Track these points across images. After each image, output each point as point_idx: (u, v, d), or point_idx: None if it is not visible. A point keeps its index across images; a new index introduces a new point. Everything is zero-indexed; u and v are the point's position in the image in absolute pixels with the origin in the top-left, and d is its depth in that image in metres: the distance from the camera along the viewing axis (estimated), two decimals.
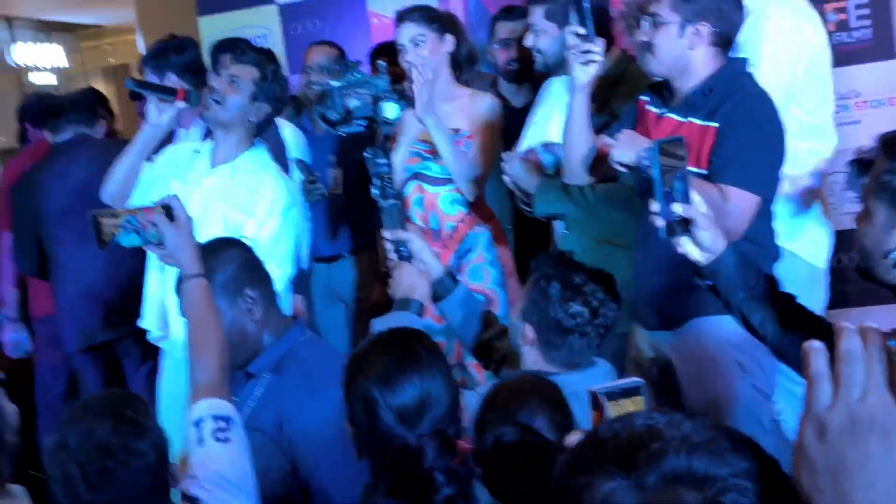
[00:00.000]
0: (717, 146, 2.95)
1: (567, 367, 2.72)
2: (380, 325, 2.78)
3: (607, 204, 3.53)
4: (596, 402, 2.04)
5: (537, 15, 3.65)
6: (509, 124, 4.17)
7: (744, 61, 3.12)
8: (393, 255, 3.03)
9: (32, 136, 5.72)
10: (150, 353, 4.52)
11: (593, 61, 3.16)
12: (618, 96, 3.58)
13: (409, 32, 4.01)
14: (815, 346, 1.14)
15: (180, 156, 3.86)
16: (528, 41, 3.70)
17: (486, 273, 4.06)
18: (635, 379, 2.11)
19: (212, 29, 6.11)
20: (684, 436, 1.09)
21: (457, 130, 3.98)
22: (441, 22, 4.07)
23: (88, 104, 5.01)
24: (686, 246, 2.38)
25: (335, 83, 2.98)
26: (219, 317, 2.63)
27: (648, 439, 1.10)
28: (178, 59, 4.34)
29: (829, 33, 3.88)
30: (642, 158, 2.93)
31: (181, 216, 2.64)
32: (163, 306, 3.76)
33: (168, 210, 2.64)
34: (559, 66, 3.66)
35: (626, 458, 1.09)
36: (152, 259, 3.71)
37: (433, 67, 3.92)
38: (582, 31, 3.14)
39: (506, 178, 3.77)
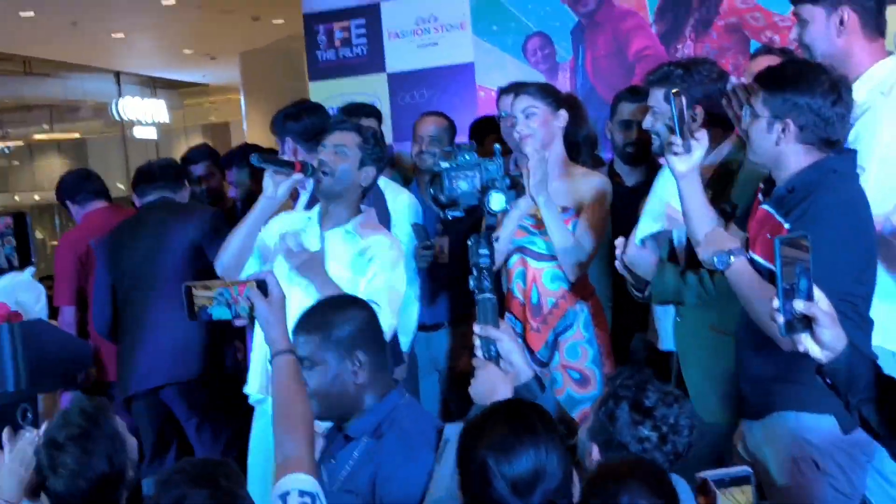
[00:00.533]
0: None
1: None
2: (451, 430, 2.79)
3: (727, 292, 3.52)
4: (706, 489, 2.05)
5: (657, 97, 3.66)
6: (621, 203, 4.19)
7: (838, 160, 3.07)
8: (480, 352, 2.93)
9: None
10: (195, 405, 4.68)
11: (679, 153, 3.21)
12: (734, 184, 3.58)
13: (521, 104, 4.05)
14: None
15: (291, 222, 3.94)
16: (647, 123, 3.70)
17: (583, 351, 4.04)
18: (744, 468, 2.11)
19: (321, 94, 6.26)
20: None
21: (565, 209, 4.00)
22: (556, 97, 4.10)
23: (174, 170, 5.16)
24: (807, 343, 2.33)
25: (445, 164, 2.95)
26: (306, 393, 2.64)
27: None
28: (295, 125, 4.46)
29: None
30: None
31: (275, 292, 2.64)
32: (265, 369, 3.83)
33: (262, 285, 2.65)
34: None
35: None
36: None
37: (544, 141, 3.99)
38: (670, 123, 3.21)
39: (618, 265, 3.76)
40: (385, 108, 6.21)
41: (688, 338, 3.09)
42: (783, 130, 3.00)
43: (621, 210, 4.10)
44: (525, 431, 2.20)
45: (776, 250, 2.25)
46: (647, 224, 3.79)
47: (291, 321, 3.66)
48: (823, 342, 2.31)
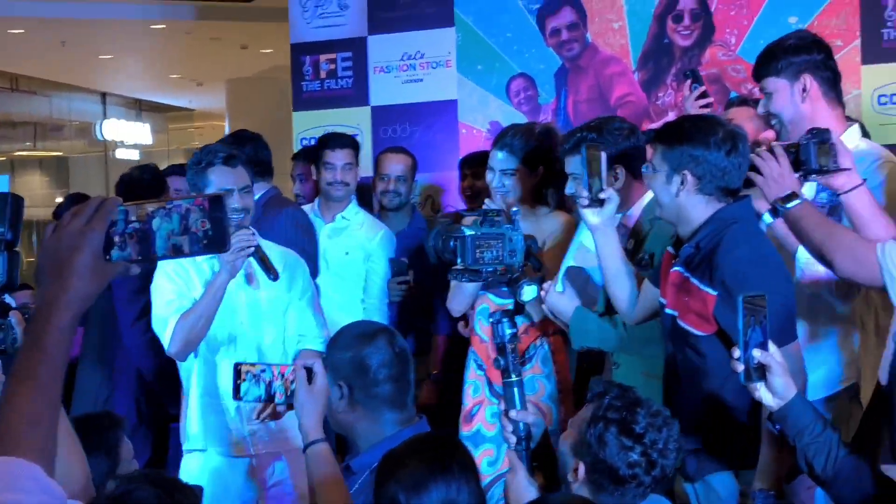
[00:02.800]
0: (724, 314, 2.97)
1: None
2: None
3: (645, 338, 3.57)
4: None
5: (574, 164, 3.59)
6: None
7: (735, 208, 3.13)
8: (511, 438, 2.81)
9: None
10: None
11: (588, 206, 3.32)
12: (651, 238, 3.64)
13: (501, 164, 4.10)
14: None
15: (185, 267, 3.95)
16: (569, 189, 3.66)
17: (540, 385, 4.09)
18: None
19: (305, 124, 6.31)
20: None
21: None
22: (532, 154, 4.11)
23: (158, 182, 5.11)
24: (761, 391, 2.60)
25: (471, 232, 2.87)
26: (342, 478, 2.62)
27: None
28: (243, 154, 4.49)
29: None
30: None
31: (319, 382, 2.60)
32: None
33: (309, 372, 2.61)
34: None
35: None
36: None
37: (517, 196, 4.07)
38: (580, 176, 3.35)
39: (545, 309, 3.82)
40: (367, 140, 6.25)
41: (626, 383, 3.13)
42: (682, 182, 3.11)
43: None
44: (438, 468, 2.22)
45: (739, 306, 2.56)
46: (566, 264, 3.87)
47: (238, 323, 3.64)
48: (776, 390, 2.58)
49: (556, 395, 4.10)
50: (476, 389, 4.21)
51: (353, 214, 5.03)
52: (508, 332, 2.82)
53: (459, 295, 4.19)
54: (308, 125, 6.27)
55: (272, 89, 12.40)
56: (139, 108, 17.36)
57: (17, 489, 1.41)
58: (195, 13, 10.79)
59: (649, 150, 3.32)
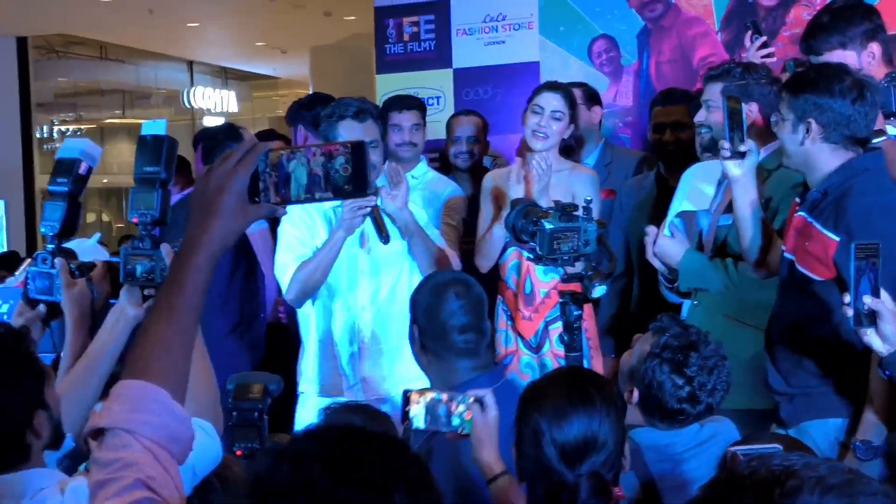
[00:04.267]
0: (842, 261, 2.99)
1: (667, 428, 2.81)
2: None
3: (750, 283, 3.59)
4: (735, 461, 2.12)
5: (713, 91, 3.76)
6: (664, 201, 4.33)
7: (867, 159, 3.14)
8: None
9: None
10: None
11: (730, 158, 3.34)
12: (770, 182, 3.65)
13: (554, 105, 4.26)
14: None
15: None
16: (700, 116, 3.82)
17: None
18: (775, 445, 2.19)
19: (388, 87, 6.36)
20: (820, 477, 1.13)
21: (557, 203, 4.13)
22: (575, 109, 4.32)
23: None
24: (871, 337, 2.64)
25: (550, 226, 3.07)
26: None
27: (784, 478, 1.14)
28: (308, 114, 4.60)
29: None
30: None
31: (492, 414, 2.56)
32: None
33: (479, 402, 2.63)
34: None
35: (761, 494, 1.14)
36: None
37: (554, 146, 4.23)
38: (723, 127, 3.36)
39: (649, 256, 3.86)
40: (449, 103, 6.29)
41: (701, 323, 3.17)
42: (807, 131, 3.10)
43: (664, 209, 4.21)
44: (581, 400, 2.26)
45: (852, 252, 2.63)
46: (675, 209, 3.89)
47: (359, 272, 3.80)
48: (886, 336, 2.62)
49: (588, 352, 4.15)
50: (507, 339, 4.27)
51: (423, 174, 5.09)
52: (575, 314, 3.08)
53: (487, 255, 4.24)
54: (391, 88, 6.33)
55: (355, 56, 12.46)
56: (225, 77, 17.55)
57: (142, 410, 1.49)
58: None
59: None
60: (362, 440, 1.38)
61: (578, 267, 3.20)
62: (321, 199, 1.66)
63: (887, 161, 3.14)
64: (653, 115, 4.90)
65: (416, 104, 5.20)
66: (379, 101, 6.50)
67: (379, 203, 3.87)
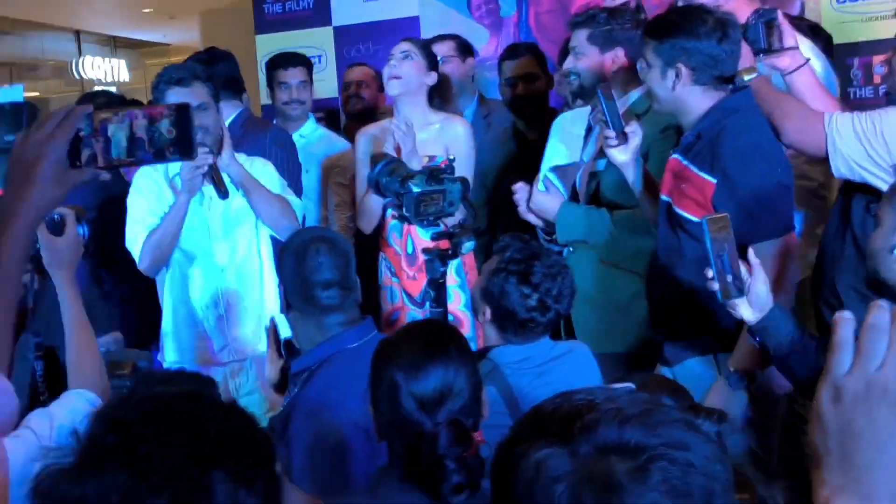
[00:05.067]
0: (723, 200, 3.05)
1: (520, 342, 2.93)
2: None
3: (628, 231, 3.63)
4: None
5: (580, 38, 3.77)
6: (524, 156, 4.34)
7: (737, 98, 3.18)
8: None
9: None
10: None
11: (615, 145, 3.37)
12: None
13: (402, 47, 4.27)
14: (846, 316, 1.19)
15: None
16: (568, 63, 3.82)
17: (455, 295, 4.15)
18: (629, 384, 2.22)
19: (268, 47, 6.29)
20: (619, 408, 1.15)
21: (431, 158, 4.14)
22: (432, 58, 4.30)
23: None
24: (741, 307, 2.66)
25: (416, 188, 3.13)
26: None
27: (585, 411, 1.16)
28: (209, 70, 4.48)
29: None
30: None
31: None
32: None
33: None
34: (592, 90, 3.78)
35: (562, 428, 1.15)
36: None
37: (411, 88, 4.18)
38: (602, 118, 3.39)
39: (521, 211, 3.87)
40: (331, 61, 6.24)
41: (578, 269, 3.21)
42: (676, 75, 3.13)
43: (525, 163, 4.23)
44: (436, 351, 2.26)
45: (704, 228, 2.62)
46: (548, 161, 3.91)
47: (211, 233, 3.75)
48: (759, 294, 2.64)
49: (472, 304, 4.17)
50: (393, 295, 4.28)
51: (311, 131, 5.04)
52: (440, 270, 3.18)
53: (368, 215, 4.23)
54: (271, 48, 6.25)
55: (245, 19, 12.28)
56: (114, 45, 17.19)
57: None
58: None
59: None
60: (195, 408, 1.35)
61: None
62: (144, 162, 1.62)
63: (759, 98, 3.17)
64: (502, 70, 4.89)
65: (301, 61, 5.15)
66: (260, 61, 6.44)
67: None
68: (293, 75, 5.03)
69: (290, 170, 4.53)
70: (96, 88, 15.89)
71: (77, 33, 16.28)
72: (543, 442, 1.15)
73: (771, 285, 2.69)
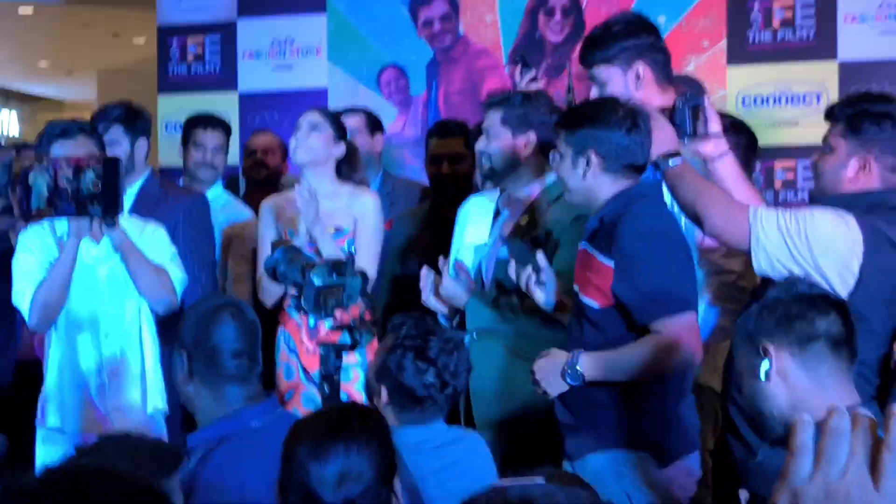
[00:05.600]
0: (620, 283, 3.03)
1: (418, 423, 2.91)
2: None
3: (538, 321, 3.57)
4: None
5: (493, 119, 3.73)
6: (440, 235, 4.28)
7: (644, 186, 3.18)
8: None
9: None
10: None
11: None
12: (550, 215, 3.65)
13: (311, 118, 4.17)
14: (805, 419, 1.13)
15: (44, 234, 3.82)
16: (480, 144, 3.77)
17: (354, 374, 4.01)
18: (538, 479, 2.15)
19: (169, 108, 6.16)
20: None
21: (338, 229, 4.07)
22: (341, 128, 4.22)
23: None
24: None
25: (317, 280, 3.11)
26: None
27: None
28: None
29: None
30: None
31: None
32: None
33: None
34: (503, 173, 3.74)
35: None
36: None
37: (317, 160, 4.10)
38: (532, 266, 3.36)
39: (426, 298, 3.80)
40: (234, 128, 6.11)
41: (482, 356, 3.19)
42: (587, 163, 3.13)
43: (440, 243, 4.16)
44: (340, 432, 2.24)
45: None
46: (457, 245, 3.85)
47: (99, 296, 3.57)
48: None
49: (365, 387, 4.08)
50: (289, 372, 4.12)
51: (216, 197, 4.89)
52: (335, 365, 3.18)
53: (269, 293, 4.11)
54: (173, 109, 6.12)
55: (144, 81, 12.09)
56: (6, 97, 16.84)
57: None
58: None
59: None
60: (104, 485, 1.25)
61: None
62: (64, 214, 1.51)
63: (681, 184, 3.15)
64: (429, 147, 4.83)
65: (221, 125, 5.04)
66: (160, 122, 6.30)
67: None
68: (211, 138, 4.91)
69: (199, 248, 4.36)
70: None
71: None
72: None
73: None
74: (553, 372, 3.12)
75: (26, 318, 3.69)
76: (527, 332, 3.60)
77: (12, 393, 4.40)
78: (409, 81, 6.03)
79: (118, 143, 4.08)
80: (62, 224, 3.57)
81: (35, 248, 3.66)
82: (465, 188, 4.64)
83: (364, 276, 3.24)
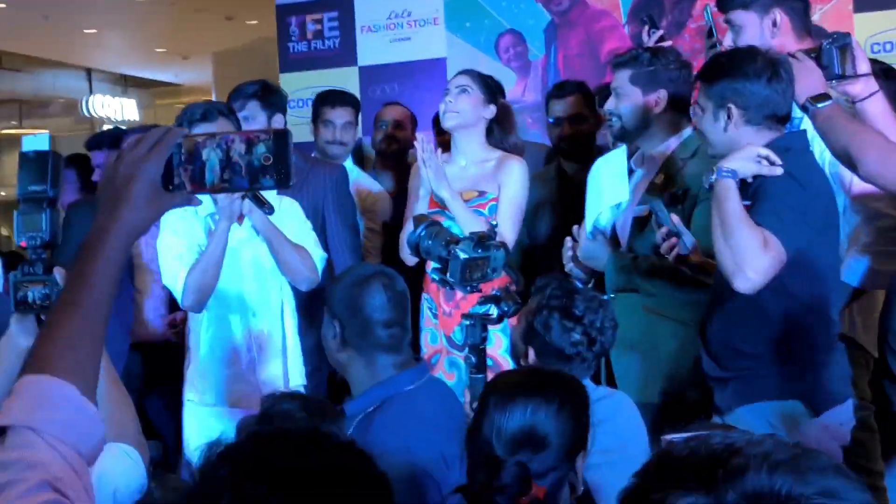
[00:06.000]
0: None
1: None
2: None
3: (675, 283, 3.54)
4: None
5: (622, 78, 3.70)
6: (567, 197, 4.25)
7: (790, 138, 3.13)
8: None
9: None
10: None
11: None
12: (686, 171, 3.61)
13: (458, 80, 4.17)
14: None
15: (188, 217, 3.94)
16: (610, 104, 3.75)
17: (497, 339, 4.01)
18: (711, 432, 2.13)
19: (291, 85, 6.22)
20: (765, 453, 1.05)
21: (482, 193, 4.06)
22: (493, 91, 4.21)
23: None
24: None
25: (462, 254, 3.08)
26: None
27: (727, 456, 1.06)
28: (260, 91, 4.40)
29: None
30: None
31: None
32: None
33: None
34: (635, 132, 3.71)
35: (704, 474, 1.05)
36: None
37: (467, 123, 4.08)
38: (665, 230, 3.31)
39: (568, 260, 3.78)
40: None
41: (621, 316, 3.14)
42: (728, 116, 3.09)
43: (569, 205, 4.14)
44: (530, 389, 2.22)
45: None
46: (591, 216, 3.82)
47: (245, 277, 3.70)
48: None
49: (511, 350, 4.07)
50: (434, 337, 4.14)
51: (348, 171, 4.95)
52: (481, 335, 3.12)
53: (410, 259, 4.11)
54: (296, 86, 6.20)
55: (259, 61, 12.27)
56: (125, 84, 17.24)
57: (47, 407, 1.37)
58: None
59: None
60: (310, 448, 1.31)
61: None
62: (238, 189, 1.56)
63: (832, 127, 3.10)
64: (549, 109, 4.80)
65: (350, 101, 5.10)
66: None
67: None
68: (339, 115, 4.97)
69: (347, 216, 4.50)
70: (105, 128, 15.91)
71: (88, 71, 16.34)
72: (682, 490, 1.04)
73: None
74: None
75: (179, 300, 3.79)
76: (665, 291, 3.57)
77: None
78: (528, 46, 6.01)
79: (255, 118, 4.20)
80: (204, 207, 3.67)
81: (180, 231, 3.77)
82: (589, 148, 4.62)
83: (505, 247, 3.22)
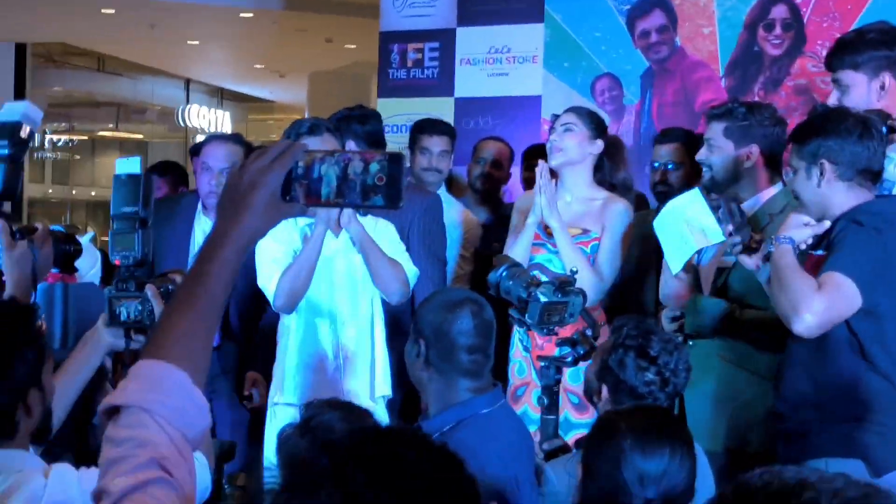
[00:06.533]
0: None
1: None
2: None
3: (759, 333, 3.56)
4: None
5: (715, 130, 3.74)
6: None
7: (884, 203, 3.15)
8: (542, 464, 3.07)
9: None
10: None
11: (742, 251, 3.32)
12: (770, 229, 3.63)
13: (564, 119, 4.21)
14: None
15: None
16: (701, 154, 3.78)
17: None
18: None
19: (388, 111, 6.34)
20: (836, 490, 1.09)
21: (585, 231, 4.10)
22: (598, 126, 4.23)
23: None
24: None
25: (543, 297, 3.16)
26: None
27: (800, 490, 1.10)
28: (360, 127, 4.55)
29: None
30: None
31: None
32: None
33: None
34: (725, 184, 3.73)
35: None
36: None
37: (573, 161, 4.12)
38: (728, 228, 3.35)
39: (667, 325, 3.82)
40: None
41: (696, 363, 3.17)
42: (821, 173, 3.12)
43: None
44: (665, 432, 2.33)
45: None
46: (674, 258, 3.84)
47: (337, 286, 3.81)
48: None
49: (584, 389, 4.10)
50: (521, 370, 4.17)
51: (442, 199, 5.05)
52: (555, 378, 3.21)
53: None
54: (391, 112, 6.32)
55: (353, 84, 12.50)
56: (221, 97, 17.58)
57: (160, 390, 1.44)
58: (284, 3, 10.91)
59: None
60: (405, 446, 1.38)
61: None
62: (350, 205, 1.64)
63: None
64: (654, 152, 4.85)
65: (447, 130, 5.17)
66: None
67: None
68: (436, 143, 5.04)
69: (433, 244, 4.58)
70: (198, 138, 16.24)
71: (187, 81, 16.69)
72: None
73: None
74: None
75: (271, 301, 3.90)
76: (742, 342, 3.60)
77: None
78: (623, 91, 6.07)
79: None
80: (303, 217, 3.79)
81: (279, 237, 3.89)
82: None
83: (584, 294, 3.27)
